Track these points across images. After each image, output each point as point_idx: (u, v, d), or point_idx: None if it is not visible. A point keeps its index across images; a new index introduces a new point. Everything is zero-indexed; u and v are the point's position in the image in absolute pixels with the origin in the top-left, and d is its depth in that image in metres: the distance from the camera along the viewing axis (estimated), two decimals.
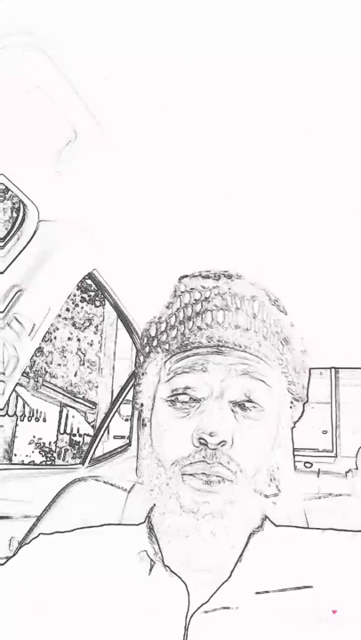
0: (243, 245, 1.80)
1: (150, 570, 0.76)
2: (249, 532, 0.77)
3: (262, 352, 0.76)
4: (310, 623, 0.73)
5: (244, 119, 1.41)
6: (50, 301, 1.72)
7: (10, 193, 1.65)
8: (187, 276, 0.81)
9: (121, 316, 2.15)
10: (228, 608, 0.73)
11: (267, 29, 1.21)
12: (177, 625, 0.72)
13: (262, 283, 0.84)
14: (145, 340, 0.82)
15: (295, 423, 0.84)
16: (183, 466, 0.73)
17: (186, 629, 0.72)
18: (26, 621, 0.77)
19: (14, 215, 1.65)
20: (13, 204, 1.66)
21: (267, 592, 0.74)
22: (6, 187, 1.49)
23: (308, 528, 0.94)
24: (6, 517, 1.79)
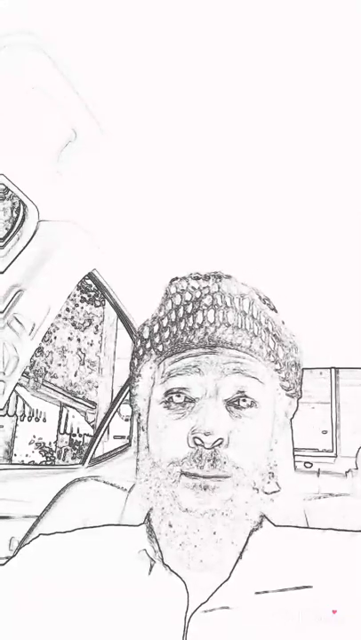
0: (243, 246, 1.80)
1: (150, 569, 0.77)
2: (249, 529, 0.78)
3: (254, 349, 0.77)
4: (310, 623, 0.73)
5: (244, 119, 1.41)
6: (50, 301, 1.72)
7: (10, 193, 1.65)
8: (177, 278, 0.82)
9: (121, 316, 2.15)
10: (227, 608, 0.73)
11: (266, 27, 1.21)
12: (176, 624, 0.73)
13: (263, 283, 0.85)
14: (138, 343, 0.82)
15: (291, 420, 0.84)
16: (181, 467, 0.73)
17: (185, 629, 0.72)
18: (26, 621, 0.77)
19: (14, 215, 1.65)
20: (13, 204, 1.66)
21: (266, 592, 0.74)
22: (6, 187, 1.49)
23: (308, 528, 0.94)
24: (6, 517, 1.79)
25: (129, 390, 0.85)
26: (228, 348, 0.76)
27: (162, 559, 0.76)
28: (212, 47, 1.24)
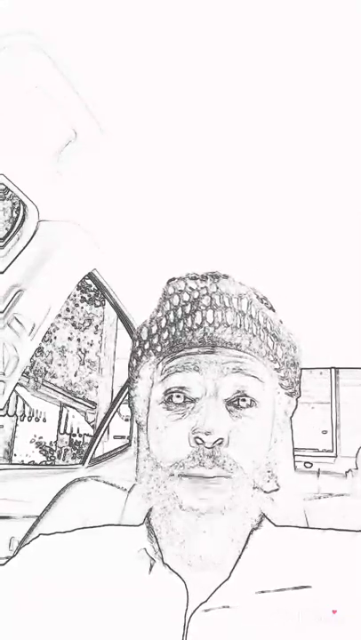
0: (243, 245, 1.80)
1: (150, 569, 0.77)
2: (249, 528, 0.78)
3: (253, 348, 0.77)
4: (310, 623, 0.73)
5: (244, 119, 1.41)
6: (50, 301, 1.72)
7: (10, 193, 1.65)
8: (174, 279, 0.82)
9: (121, 316, 2.15)
10: (227, 607, 0.73)
11: (266, 28, 1.21)
12: (176, 624, 0.73)
13: (263, 283, 0.85)
14: (137, 344, 0.82)
15: (291, 419, 0.84)
16: (182, 467, 0.73)
17: (185, 628, 0.72)
18: (26, 621, 0.77)
19: (14, 215, 1.65)
20: (13, 204, 1.66)
21: (267, 592, 0.74)
22: (6, 187, 1.49)
23: (308, 528, 0.94)
24: (6, 517, 1.79)
25: (128, 392, 0.85)
26: (228, 348, 0.76)
27: (162, 558, 0.76)
28: (212, 47, 1.24)
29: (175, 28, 1.20)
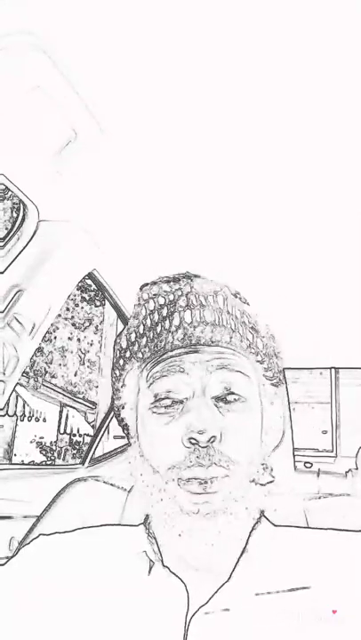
0: (243, 246, 1.80)
1: (150, 570, 0.76)
2: (251, 524, 0.78)
3: (234, 344, 0.78)
4: (310, 623, 0.73)
5: (244, 119, 1.41)
6: (50, 301, 1.72)
7: (10, 193, 1.65)
8: (147, 284, 0.84)
9: (121, 316, 2.15)
10: (228, 609, 0.73)
11: (266, 29, 1.21)
12: (177, 626, 0.72)
13: (263, 284, 0.85)
14: (118, 354, 0.83)
15: (291, 419, 0.85)
16: (180, 470, 0.73)
17: (185, 630, 0.72)
18: (26, 621, 0.77)
19: (14, 215, 1.65)
20: (13, 204, 1.66)
21: (267, 593, 0.74)
22: (6, 187, 1.49)
23: (308, 528, 0.94)
24: (6, 517, 1.78)
25: (112, 403, 0.85)
26: (210, 346, 0.77)
27: (161, 560, 0.76)
28: (212, 47, 1.24)
29: (175, 28, 1.20)
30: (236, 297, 0.82)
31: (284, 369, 0.85)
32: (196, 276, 0.82)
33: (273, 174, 1.59)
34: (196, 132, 1.44)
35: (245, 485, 0.75)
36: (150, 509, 0.77)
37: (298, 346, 0.87)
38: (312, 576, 0.75)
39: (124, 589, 0.76)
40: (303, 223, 1.77)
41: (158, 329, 0.78)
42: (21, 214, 1.61)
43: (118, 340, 0.83)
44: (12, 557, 0.82)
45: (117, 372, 0.83)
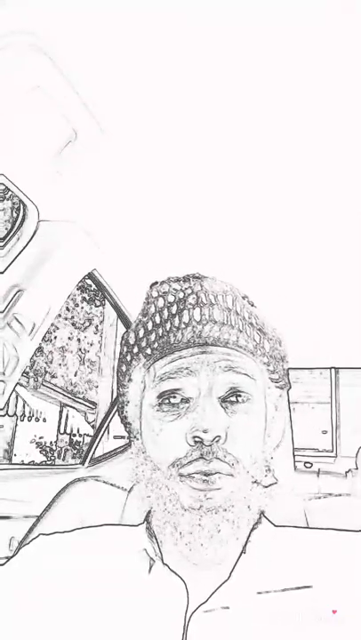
0: (243, 246, 1.80)
1: (150, 569, 0.77)
2: (251, 524, 0.78)
3: (241, 344, 0.78)
4: (310, 623, 0.73)
5: (244, 119, 1.41)
6: (50, 301, 1.72)
7: (10, 193, 1.65)
8: (157, 283, 0.83)
9: (121, 316, 2.15)
10: (227, 608, 0.73)
11: (266, 29, 1.21)
12: (176, 624, 0.73)
13: (263, 284, 0.85)
14: (125, 349, 0.83)
15: (291, 419, 0.85)
16: (181, 466, 0.74)
17: (185, 628, 0.72)
18: (26, 621, 0.77)
19: (14, 215, 1.65)
20: (13, 203, 1.66)
21: (267, 592, 0.74)
22: (6, 187, 1.49)
23: (308, 528, 0.94)
24: (6, 517, 1.79)
25: (117, 398, 0.85)
26: (217, 346, 0.77)
27: (161, 558, 0.76)
28: (212, 47, 1.24)
29: (175, 28, 1.20)
30: (244, 299, 0.83)
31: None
32: (205, 277, 0.82)
33: (273, 174, 1.59)
34: (196, 131, 1.44)
35: (248, 486, 0.76)
36: (151, 507, 0.77)
37: (298, 346, 0.87)
38: (312, 576, 0.75)
39: (125, 588, 0.76)
40: (303, 223, 1.78)
41: (167, 326, 0.78)
42: (21, 214, 1.61)
43: (126, 336, 0.83)
44: (11, 557, 0.83)
45: (124, 367, 0.83)
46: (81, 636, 0.75)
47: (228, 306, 0.79)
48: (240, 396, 0.76)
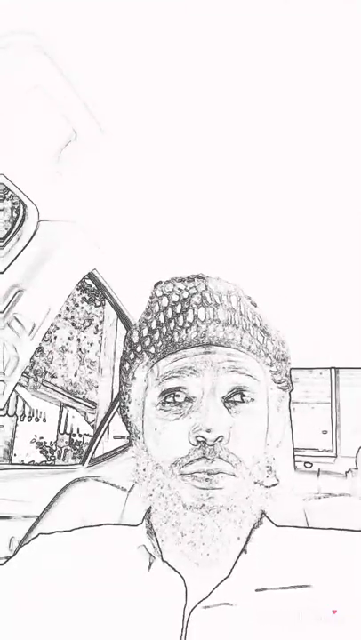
0: (243, 246, 1.80)
1: (149, 566, 0.77)
2: (253, 523, 0.78)
3: (244, 345, 0.78)
4: (310, 622, 0.73)
5: (243, 119, 1.41)
6: (50, 301, 1.72)
7: (10, 193, 1.65)
8: (161, 282, 0.83)
9: (121, 316, 2.15)
10: (227, 604, 0.73)
11: (266, 30, 1.21)
12: (176, 620, 0.73)
13: (263, 284, 0.86)
14: (128, 348, 0.83)
15: (291, 419, 0.85)
16: (183, 465, 0.74)
17: (185, 625, 0.72)
18: (25, 620, 0.77)
19: (14, 215, 1.65)
20: (13, 204, 1.66)
21: (267, 589, 0.74)
22: (6, 187, 1.49)
23: (308, 528, 0.94)
24: (6, 517, 1.79)
25: (119, 396, 0.84)
26: (221, 346, 0.77)
27: (161, 555, 0.77)
28: (211, 47, 1.24)
29: (175, 28, 1.20)
30: (249, 299, 0.83)
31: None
32: (209, 277, 0.82)
33: (272, 174, 1.59)
34: (196, 131, 1.44)
35: (250, 486, 0.76)
36: (152, 505, 0.77)
37: (298, 346, 0.87)
38: (312, 575, 0.75)
39: (124, 586, 0.76)
40: (303, 223, 1.78)
41: (172, 325, 0.78)
42: (21, 214, 1.61)
43: (129, 335, 0.83)
44: (11, 557, 0.83)
45: (127, 365, 0.83)
46: (81, 634, 0.75)
47: (233, 306, 0.79)
48: (244, 396, 0.77)
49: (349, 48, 1.24)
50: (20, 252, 1.62)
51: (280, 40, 1.22)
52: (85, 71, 1.28)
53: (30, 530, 1.11)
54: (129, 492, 1.04)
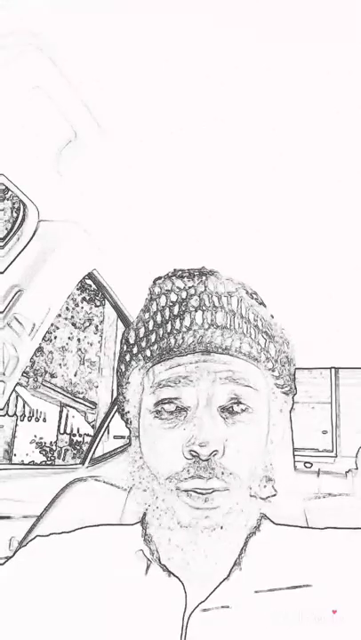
0: (243, 246, 1.80)
1: (147, 569, 0.76)
2: (247, 533, 0.77)
3: (244, 350, 0.75)
4: (310, 623, 0.73)
5: (243, 119, 1.41)
6: (50, 301, 1.72)
7: (10, 193, 1.65)
8: (160, 278, 0.80)
9: (121, 316, 2.15)
10: (227, 607, 0.73)
11: (266, 30, 1.21)
12: (174, 624, 0.72)
13: (263, 284, 0.84)
14: (125, 348, 0.80)
15: (291, 419, 0.84)
16: (178, 481, 0.72)
17: (184, 628, 0.72)
18: (23, 622, 0.77)
19: (14, 215, 1.65)
20: (13, 204, 1.66)
21: (266, 591, 0.74)
22: (6, 187, 1.49)
23: (307, 528, 0.94)
24: (6, 517, 1.79)
25: (117, 396, 0.82)
26: (219, 353, 0.74)
27: (158, 559, 0.76)
28: (211, 47, 1.24)
29: (175, 28, 1.20)
30: (253, 297, 0.79)
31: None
32: (211, 272, 0.78)
33: (273, 174, 1.59)
34: (196, 131, 1.44)
35: (246, 500, 0.74)
36: (148, 514, 0.76)
37: (298, 346, 0.86)
38: (312, 575, 0.75)
39: (121, 589, 0.76)
40: (303, 223, 1.78)
41: (168, 327, 0.75)
42: (21, 214, 1.61)
43: (126, 334, 0.80)
44: (9, 559, 0.82)
45: (123, 366, 0.80)
46: (79, 637, 0.74)
47: (233, 308, 0.76)
48: (241, 404, 0.74)
49: (350, 48, 1.24)
50: (20, 252, 1.62)
51: (280, 40, 1.22)
52: (85, 71, 1.28)
53: (30, 530, 1.11)
54: (129, 492, 1.04)
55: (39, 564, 0.80)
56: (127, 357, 0.80)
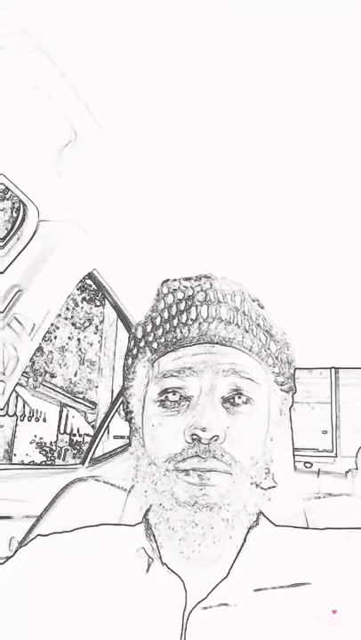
0: (243, 246, 1.80)
1: (148, 568, 0.77)
2: (247, 525, 0.78)
3: (246, 345, 0.78)
4: (309, 621, 0.73)
5: (243, 119, 1.41)
6: (50, 301, 1.72)
7: (10, 193, 1.65)
8: (168, 280, 0.84)
9: (121, 316, 2.15)
10: (226, 605, 0.73)
11: (265, 30, 1.21)
12: (175, 622, 0.73)
13: (263, 284, 0.86)
14: (132, 343, 0.84)
15: (291, 419, 0.85)
16: (177, 462, 0.74)
17: (184, 626, 0.72)
18: (24, 621, 0.77)
19: (14, 215, 1.65)
20: (13, 203, 1.66)
21: (265, 589, 0.74)
22: (6, 187, 1.49)
23: (307, 528, 0.94)
24: (6, 517, 1.79)
25: (122, 392, 0.85)
26: (222, 345, 0.78)
27: (160, 557, 0.77)
28: (211, 47, 1.24)
29: (175, 28, 1.20)
30: (254, 301, 0.83)
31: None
32: (216, 277, 0.83)
33: (274, 175, 1.59)
34: (196, 131, 1.44)
35: (247, 487, 0.76)
36: (148, 502, 0.78)
37: (298, 346, 0.87)
38: (311, 575, 0.75)
39: (122, 588, 0.76)
40: (303, 224, 1.78)
41: (175, 322, 0.79)
42: (21, 214, 1.61)
43: (134, 331, 0.84)
44: (9, 558, 0.83)
45: (130, 360, 0.84)
46: (80, 636, 0.75)
47: (236, 305, 0.80)
48: (242, 396, 0.77)
49: (350, 48, 1.25)
50: (20, 252, 1.62)
51: (280, 40, 1.22)
52: (85, 71, 1.28)
53: (30, 530, 1.11)
54: (129, 492, 1.04)
55: (39, 563, 0.80)
56: (135, 351, 0.83)
